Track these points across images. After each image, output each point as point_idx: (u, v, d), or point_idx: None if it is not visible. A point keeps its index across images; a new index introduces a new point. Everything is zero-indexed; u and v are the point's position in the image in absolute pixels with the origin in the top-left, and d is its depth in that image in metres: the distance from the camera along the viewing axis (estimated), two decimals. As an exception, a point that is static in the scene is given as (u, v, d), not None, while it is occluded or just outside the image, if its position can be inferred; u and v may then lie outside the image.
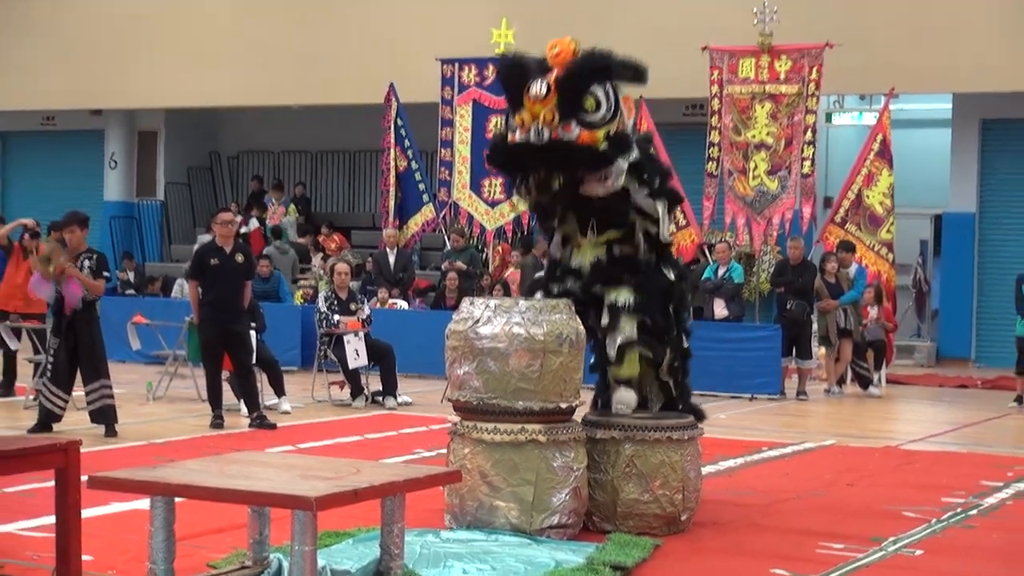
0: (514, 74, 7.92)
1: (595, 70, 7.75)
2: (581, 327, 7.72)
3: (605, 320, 8.09)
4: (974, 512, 8.93)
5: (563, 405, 7.61)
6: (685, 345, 8.53)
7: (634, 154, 7.95)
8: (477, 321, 7.54)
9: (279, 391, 13.88)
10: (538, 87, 7.63)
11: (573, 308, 7.79)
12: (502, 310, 7.55)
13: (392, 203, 19.96)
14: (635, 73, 8.01)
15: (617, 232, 8.12)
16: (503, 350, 7.45)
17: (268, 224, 24.12)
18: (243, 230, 22.10)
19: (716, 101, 17.54)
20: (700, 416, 8.48)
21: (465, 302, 7.78)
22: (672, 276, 8.36)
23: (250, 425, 12.52)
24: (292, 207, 24.88)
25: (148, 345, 16.24)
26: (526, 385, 7.47)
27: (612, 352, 8.10)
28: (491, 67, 18.97)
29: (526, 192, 8.09)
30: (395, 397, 14.59)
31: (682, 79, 19.58)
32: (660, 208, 8.13)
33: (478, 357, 7.50)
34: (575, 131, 7.69)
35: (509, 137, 7.94)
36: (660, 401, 8.46)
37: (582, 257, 8.22)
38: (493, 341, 7.46)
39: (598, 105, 7.73)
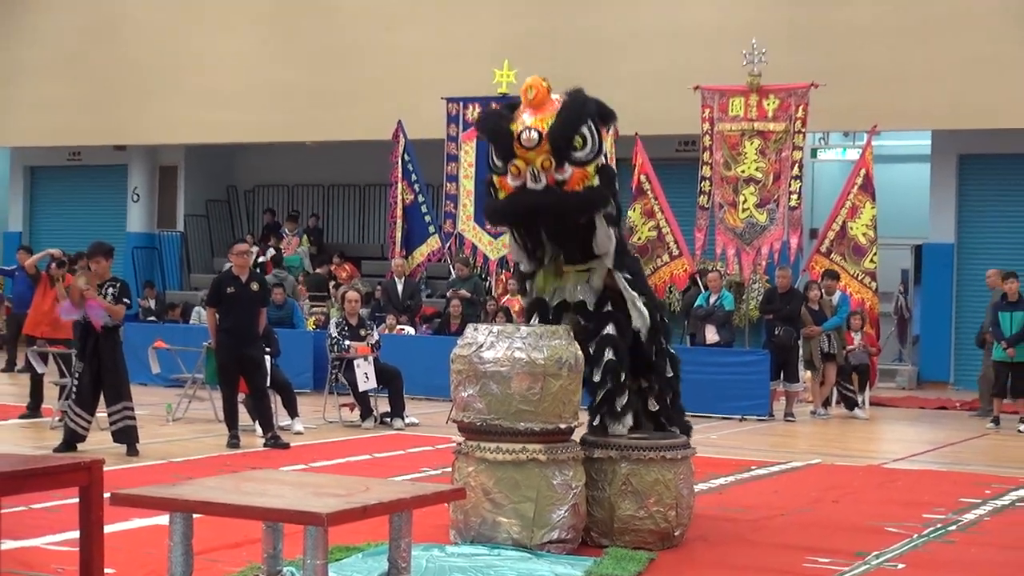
0: (499, 127, 7.83)
1: (581, 112, 7.74)
2: (579, 352, 7.71)
3: (597, 377, 8.05)
4: (954, 528, 8.91)
5: (562, 426, 7.60)
6: (669, 374, 8.47)
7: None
8: (481, 346, 7.55)
9: (292, 412, 13.86)
10: (528, 135, 7.60)
11: (572, 334, 7.79)
12: (504, 336, 7.55)
13: (399, 234, 19.98)
14: (608, 113, 7.99)
15: (596, 261, 8.08)
16: (505, 374, 7.44)
17: (284, 254, 24.15)
18: (260, 259, 22.11)
19: (707, 138, 17.57)
20: (688, 431, 8.53)
21: (469, 328, 7.78)
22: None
23: (265, 445, 12.49)
24: (305, 238, 24.90)
25: (168, 369, 16.24)
26: (527, 407, 7.47)
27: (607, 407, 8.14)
28: (494, 106, 19.00)
29: (523, 245, 8.13)
30: (403, 418, 14.57)
31: (675, 117, 19.69)
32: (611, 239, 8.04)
33: (481, 380, 7.50)
34: (568, 171, 7.69)
35: (497, 181, 7.88)
36: (652, 423, 8.46)
37: (563, 282, 8.17)
38: (496, 365, 7.46)
39: (585, 142, 7.72)
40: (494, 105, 8.37)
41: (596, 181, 7.79)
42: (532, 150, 7.60)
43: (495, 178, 7.94)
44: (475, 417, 7.58)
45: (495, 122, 7.95)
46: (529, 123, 7.66)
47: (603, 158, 7.93)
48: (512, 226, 8.25)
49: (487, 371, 7.48)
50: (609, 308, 8.12)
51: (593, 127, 7.79)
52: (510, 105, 8.02)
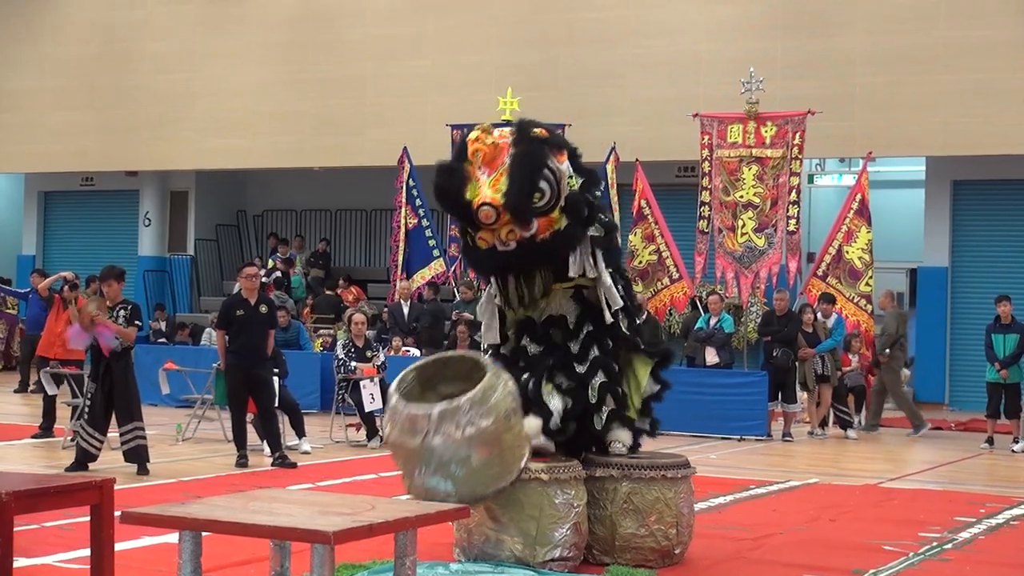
0: (457, 202, 7.49)
1: (534, 168, 7.38)
2: (511, 384, 7.09)
3: (593, 399, 7.92)
4: (949, 546, 8.88)
5: (522, 463, 7.19)
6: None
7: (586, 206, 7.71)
8: (426, 434, 6.75)
9: (300, 432, 13.85)
10: (486, 212, 7.28)
11: (497, 370, 7.13)
12: (447, 417, 6.72)
13: (401, 257, 19.97)
14: (561, 143, 7.67)
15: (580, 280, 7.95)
16: (463, 455, 6.77)
17: (290, 276, 24.20)
18: (261, 281, 22.05)
19: (707, 164, 17.58)
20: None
21: (399, 409, 6.91)
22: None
23: (272, 464, 12.48)
24: (299, 259, 24.93)
25: (178, 390, 16.22)
26: (493, 468, 6.93)
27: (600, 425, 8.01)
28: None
29: (506, 291, 7.88)
30: (408, 438, 14.51)
31: (675, 144, 19.75)
32: (597, 267, 7.84)
33: (439, 468, 6.80)
34: (534, 226, 7.43)
35: (474, 242, 7.63)
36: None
37: (551, 299, 7.99)
38: (450, 450, 6.74)
39: (543, 194, 7.42)
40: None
41: (563, 223, 7.52)
42: (493, 224, 7.34)
43: (469, 240, 7.67)
44: (444, 498, 6.76)
45: (451, 196, 7.52)
46: (483, 195, 7.31)
47: (573, 186, 7.60)
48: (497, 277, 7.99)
49: (444, 459, 6.77)
50: (590, 328, 7.98)
51: (550, 171, 7.45)
52: (459, 157, 7.59)
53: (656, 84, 20.84)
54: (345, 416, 15.01)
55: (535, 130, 7.60)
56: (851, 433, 16.87)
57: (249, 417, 12.91)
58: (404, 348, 18.81)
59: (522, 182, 7.34)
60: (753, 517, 9.92)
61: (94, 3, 25.49)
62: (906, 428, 18.08)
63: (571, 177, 7.70)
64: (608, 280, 7.90)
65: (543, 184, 7.42)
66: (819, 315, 17.01)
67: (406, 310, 19.65)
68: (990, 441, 15.91)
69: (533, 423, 7.62)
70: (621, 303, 8.01)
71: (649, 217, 17.95)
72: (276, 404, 13.06)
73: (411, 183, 20.03)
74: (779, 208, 17.20)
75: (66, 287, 15.90)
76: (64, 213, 28.29)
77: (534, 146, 7.50)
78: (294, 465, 12.42)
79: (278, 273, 23.62)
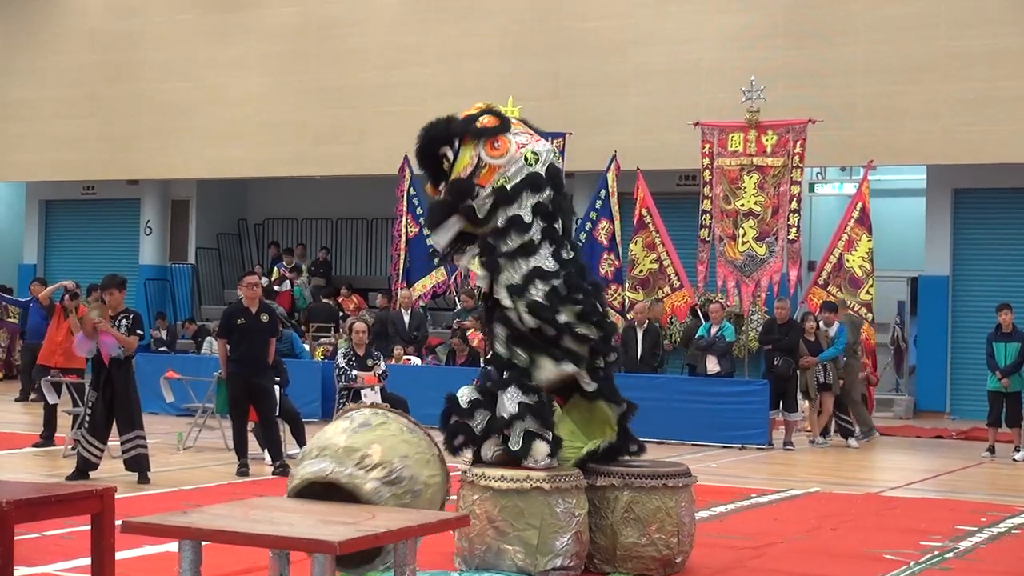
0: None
1: (429, 140, 8.11)
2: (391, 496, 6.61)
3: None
4: (950, 555, 8.87)
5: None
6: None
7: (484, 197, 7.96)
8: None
9: (301, 441, 13.81)
10: None
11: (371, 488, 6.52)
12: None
13: (402, 266, 19.98)
14: (485, 134, 8.11)
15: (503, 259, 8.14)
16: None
17: (294, 285, 24.21)
18: (276, 288, 22.29)
19: (708, 172, 17.58)
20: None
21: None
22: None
23: (273, 473, 12.47)
24: (304, 268, 24.95)
25: (179, 398, 16.21)
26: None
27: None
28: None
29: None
30: (409, 447, 14.50)
31: (676, 152, 19.76)
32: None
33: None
34: (442, 191, 8.07)
35: None
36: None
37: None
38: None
39: (450, 163, 8.02)
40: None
41: (446, 199, 8.02)
42: None
43: None
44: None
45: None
46: None
47: (459, 174, 7.99)
48: None
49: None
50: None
51: (458, 145, 8.04)
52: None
53: (657, 93, 20.87)
54: (346, 425, 14.97)
55: (483, 117, 8.21)
56: (852, 442, 16.86)
57: (250, 426, 12.90)
58: (405, 357, 18.81)
59: (420, 148, 8.17)
60: (754, 526, 9.92)
61: (95, 13, 25.54)
62: (908, 437, 18.14)
63: (505, 180, 7.94)
64: (506, 302, 7.93)
65: (448, 151, 8.03)
66: (821, 323, 16.99)
67: (407, 318, 19.64)
68: (991, 450, 15.89)
69: (542, 448, 7.69)
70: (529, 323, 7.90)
71: (650, 225, 17.96)
72: (277, 413, 13.05)
73: (412, 192, 20.04)
74: (780, 217, 17.20)
75: (67, 296, 15.89)
76: (65, 222, 28.32)
77: (444, 123, 8.20)
78: (295, 474, 12.40)
79: (287, 283, 23.64)
